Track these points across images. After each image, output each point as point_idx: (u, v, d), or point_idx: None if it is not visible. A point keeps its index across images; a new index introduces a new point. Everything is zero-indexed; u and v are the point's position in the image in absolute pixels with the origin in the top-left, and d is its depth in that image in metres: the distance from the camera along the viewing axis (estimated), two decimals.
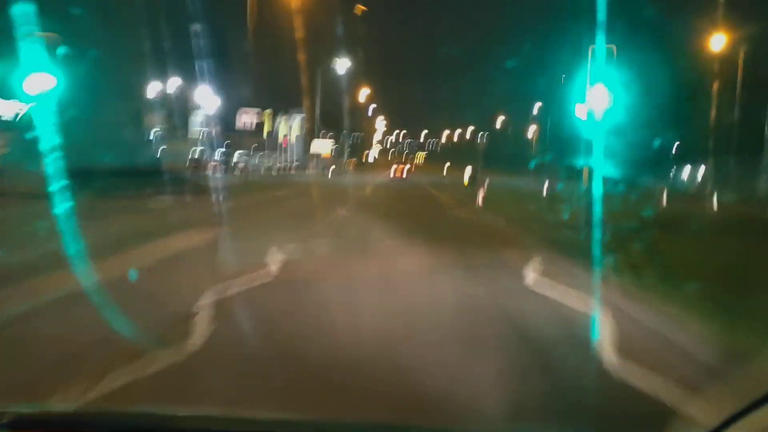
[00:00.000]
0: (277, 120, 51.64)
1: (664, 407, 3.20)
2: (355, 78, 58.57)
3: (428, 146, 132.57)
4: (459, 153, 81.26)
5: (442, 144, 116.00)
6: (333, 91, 50.92)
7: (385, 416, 3.00)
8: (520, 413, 3.31)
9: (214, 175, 28.96)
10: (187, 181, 22.86)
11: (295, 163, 51.16)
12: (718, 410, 1.57)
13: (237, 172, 39.14)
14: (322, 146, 57.79)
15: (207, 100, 41.41)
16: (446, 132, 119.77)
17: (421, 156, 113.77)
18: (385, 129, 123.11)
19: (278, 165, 47.03)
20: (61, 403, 3.07)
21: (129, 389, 3.41)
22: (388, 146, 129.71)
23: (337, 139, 64.90)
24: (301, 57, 47.06)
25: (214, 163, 35.72)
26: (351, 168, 58.64)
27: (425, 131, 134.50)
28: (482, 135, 62.15)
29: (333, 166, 54.13)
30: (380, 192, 27.84)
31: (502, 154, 60.94)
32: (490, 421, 3.18)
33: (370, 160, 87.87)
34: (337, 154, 70.02)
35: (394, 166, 57.03)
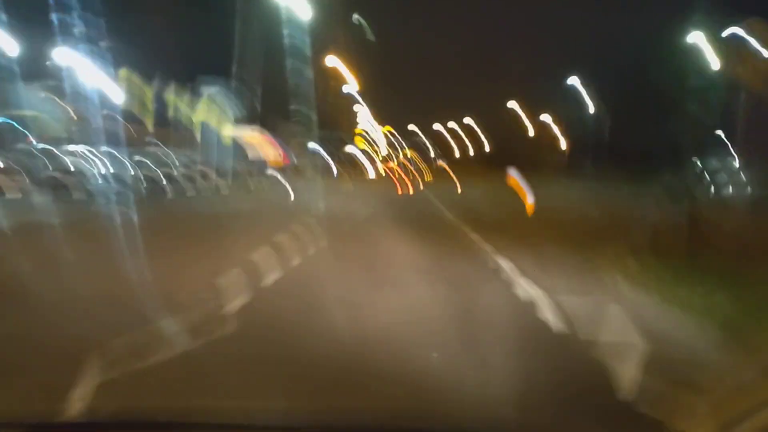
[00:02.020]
0: (171, 98, 32.05)
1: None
2: (325, 49, 40.83)
3: (427, 148, 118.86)
4: (474, 162, 69.30)
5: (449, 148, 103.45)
6: (283, 64, 26.54)
7: None
8: None
9: None
10: None
11: (205, 170, 30.68)
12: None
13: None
14: (252, 140, 41.64)
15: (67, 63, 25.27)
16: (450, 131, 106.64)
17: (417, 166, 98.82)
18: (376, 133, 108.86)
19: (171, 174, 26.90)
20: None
21: None
22: (379, 150, 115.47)
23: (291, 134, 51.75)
24: None
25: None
26: (322, 178, 42.49)
27: (422, 132, 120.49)
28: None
29: (280, 174, 40.79)
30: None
31: (525, 156, 48.78)
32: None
33: (358, 164, 75.10)
34: (299, 157, 56.78)
35: (397, 183, 40.43)
